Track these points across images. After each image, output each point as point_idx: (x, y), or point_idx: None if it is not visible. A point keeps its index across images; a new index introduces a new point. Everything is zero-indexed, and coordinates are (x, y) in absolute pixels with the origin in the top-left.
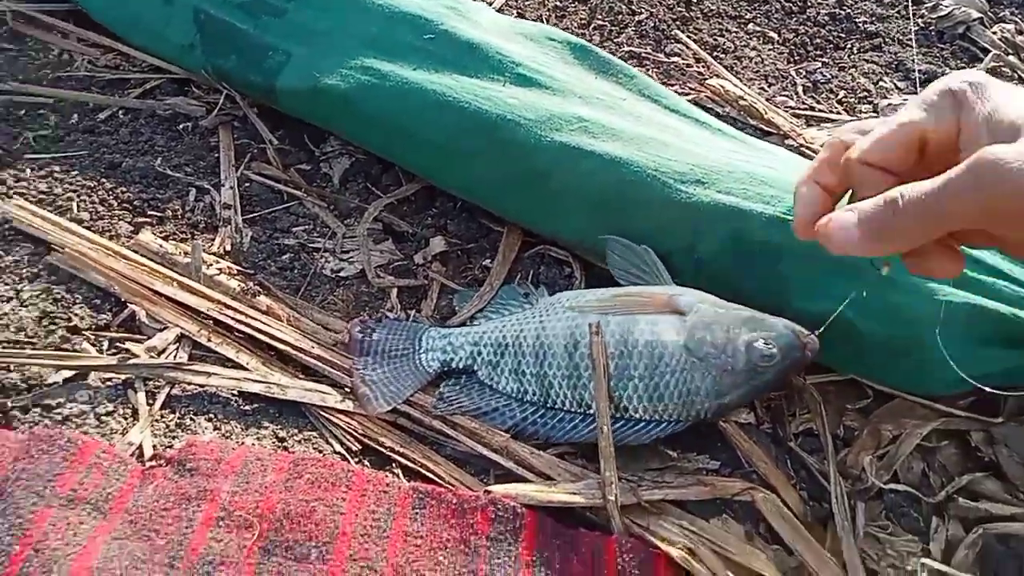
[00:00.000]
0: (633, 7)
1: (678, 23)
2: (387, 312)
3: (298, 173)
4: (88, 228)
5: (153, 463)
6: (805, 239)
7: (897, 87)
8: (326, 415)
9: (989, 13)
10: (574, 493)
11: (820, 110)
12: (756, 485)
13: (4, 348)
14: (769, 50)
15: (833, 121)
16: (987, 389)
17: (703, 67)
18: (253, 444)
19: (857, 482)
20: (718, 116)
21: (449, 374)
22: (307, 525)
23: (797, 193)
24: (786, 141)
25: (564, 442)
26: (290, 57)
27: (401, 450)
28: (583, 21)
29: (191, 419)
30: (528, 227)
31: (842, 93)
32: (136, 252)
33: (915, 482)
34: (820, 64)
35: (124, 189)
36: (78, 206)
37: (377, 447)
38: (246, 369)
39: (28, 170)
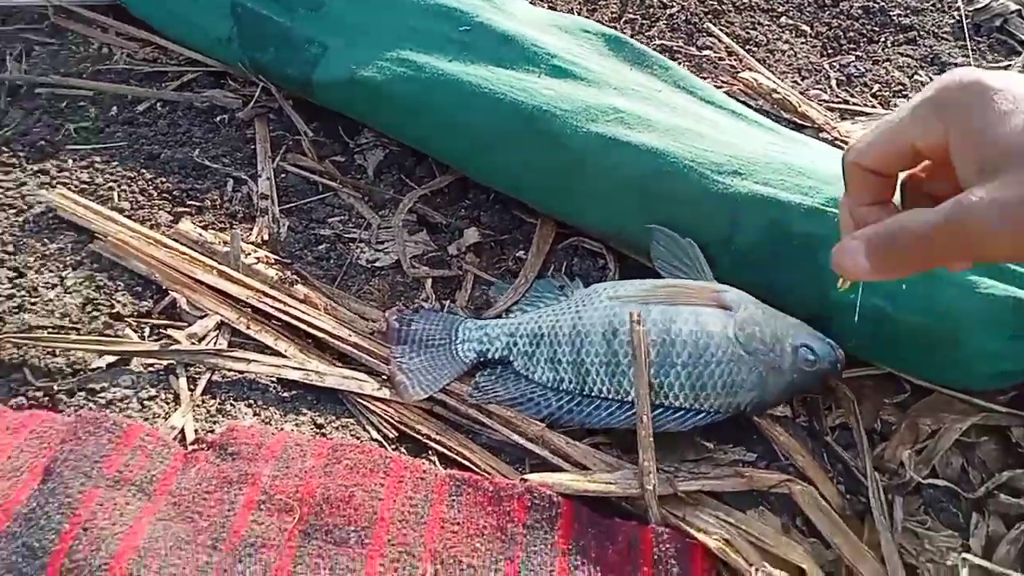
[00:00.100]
0: (664, 0)
1: (710, 16)
2: (423, 302)
3: (333, 165)
4: (129, 217)
5: (195, 447)
6: None
7: (932, 80)
8: (363, 402)
9: None
10: (610, 483)
11: (854, 103)
12: (793, 478)
13: (49, 333)
14: (802, 43)
15: (867, 114)
16: None
17: (735, 60)
18: (292, 430)
19: (895, 476)
20: (752, 109)
21: (485, 364)
22: (346, 510)
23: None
24: (820, 134)
25: (601, 428)
26: (326, 50)
27: (437, 438)
28: (614, 14)
29: (231, 405)
30: (563, 218)
31: (876, 86)
32: (176, 241)
33: (954, 477)
34: (854, 57)
35: (163, 179)
36: (119, 196)
37: (413, 435)
38: (284, 356)
39: (70, 160)
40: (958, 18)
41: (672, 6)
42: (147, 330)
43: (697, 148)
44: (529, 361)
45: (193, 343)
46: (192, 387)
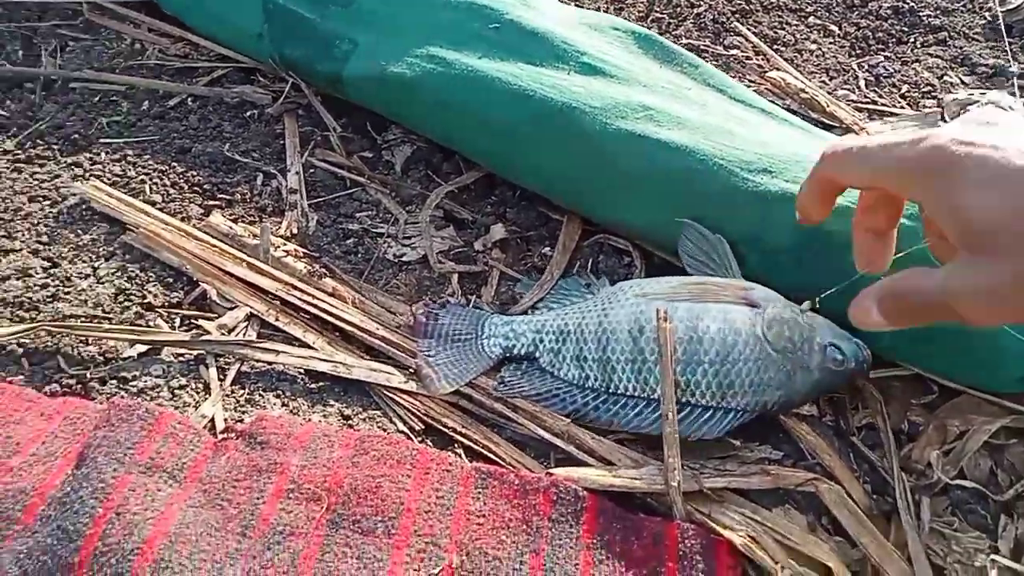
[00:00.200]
0: None
1: (737, 15)
2: (449, 297)
3: (361, 160)
4: (160, 210)
5: (225, 435)
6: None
7: (963, 81)
8: (390, 395)
9: None
10: (635, 478)
11: (883, 104)
12: (820, 476)
13: (83, 322)
14: (830, 43)
15: (896, 115)
16: None
17: (763, 60)
18: (320, 421)
19: (922, 477)
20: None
21: (510, 360)
22: (373, 500)
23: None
24: (848, 134)
25: (628, 431)
26: (357, 46)
27: (463, 431)
28: (641, 13)
29: (260, 395)
30: (590, 215)
31: (905, 87)
32: (207, 233)
33: (982, 479)
34: (883, 58)
35: (194, 173)
36: (150, 188)
37: (439, 427)
38: (313, 348)
39: (103, 154)
40: (989, 19)
41: (699, 5)
42: (178, 320)
43: (727, 146)
44: (555, 358)
45: (223, 334)
46: (222, 377)
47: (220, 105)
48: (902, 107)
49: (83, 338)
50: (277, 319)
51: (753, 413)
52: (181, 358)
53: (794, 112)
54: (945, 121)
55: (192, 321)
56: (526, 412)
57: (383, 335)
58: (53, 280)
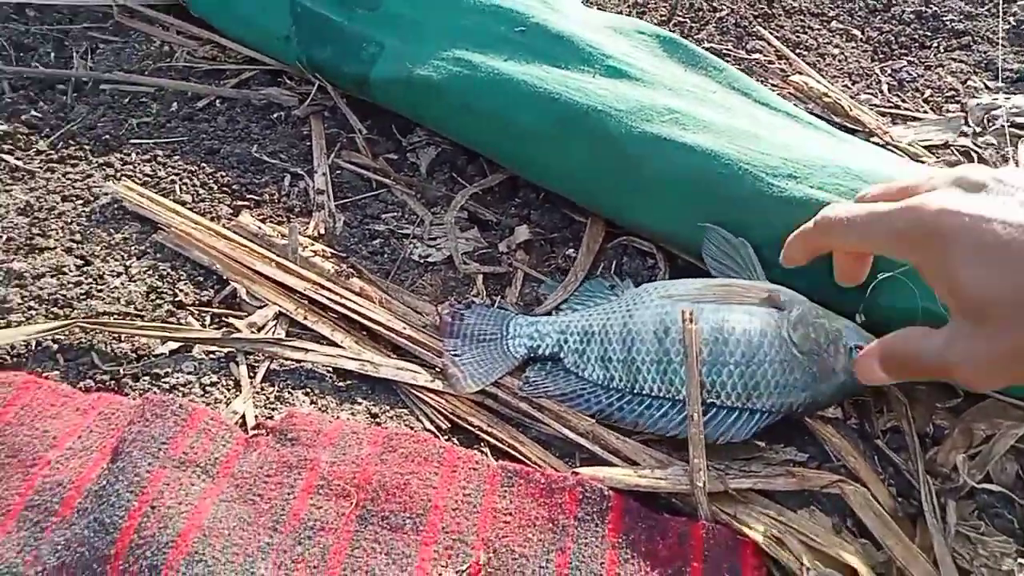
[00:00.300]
0: (714, 3)
1: (759, 20)
2: (474, 298)
3: (386, 162)
4: (190, 209)
5: (256, 432)
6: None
7: (986, 86)
8: (417, 393)
9: None
10: (660, 478)
11: (906, 108)
12: (845, 478)
13: (116, 319)
14: (852, 48)
15: (919, 120)
16: None
17: (785, 64)
18: (348, 418)
19: (947, 481)
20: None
21: (535, 360)
22: (401, 497)
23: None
24: (871, 139)
25: (654, 432)
26: (383, 49)
27: (489, 430)
28: (663, 17)
29: (289, 392)
30: (615, 218)
31: (928, 92)
32: (236, 233)
33: (1009, 484)
34: (906, 62)
35: (223, 173)
36: (180, 188)
37: (466, 426)
38: (340, 347)
39: (133, 154)
40: (1013, 23)
41: (721, 9)
42: (208, 318)
43: (752, 150)
44: (580, 359)
45: (253, 332)
46: (252, 374)
47: (247, 107)
48: (925, 112)
49: (116, 335)
50: (305, 318)
51: (778, 415)
52: (212, 355)
53: (816, 116)
54: (969, 125)
55: (222, 319)
56: (551, 412)
57: (410, 334)
58: (86, 278)
